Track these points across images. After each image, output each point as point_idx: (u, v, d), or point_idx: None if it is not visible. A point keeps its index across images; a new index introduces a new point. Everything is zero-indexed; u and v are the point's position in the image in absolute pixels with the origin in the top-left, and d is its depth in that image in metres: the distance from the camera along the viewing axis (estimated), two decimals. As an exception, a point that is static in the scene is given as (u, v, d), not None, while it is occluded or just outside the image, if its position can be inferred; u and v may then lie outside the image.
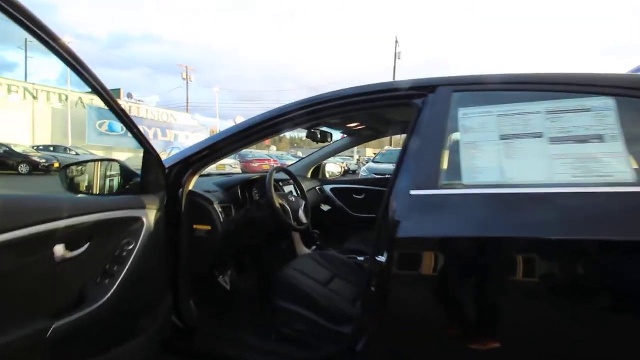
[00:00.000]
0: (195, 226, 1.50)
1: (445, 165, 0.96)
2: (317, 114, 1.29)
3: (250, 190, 1.86)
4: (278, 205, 1.62)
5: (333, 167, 3.11)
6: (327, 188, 2.85)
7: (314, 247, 2.20)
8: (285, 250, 2.08)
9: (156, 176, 1.23)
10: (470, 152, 0.95)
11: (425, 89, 1.11)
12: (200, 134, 25.56)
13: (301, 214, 1.81)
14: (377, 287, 1.02)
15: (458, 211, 0.93)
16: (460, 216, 0.92)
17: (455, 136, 1.01)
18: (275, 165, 3.05)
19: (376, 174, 7.88)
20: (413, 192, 0.96)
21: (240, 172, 10.07)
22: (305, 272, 1.57)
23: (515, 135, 0.93)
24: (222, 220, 1.51)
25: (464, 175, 0.93)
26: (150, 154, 1.20)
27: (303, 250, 2.09)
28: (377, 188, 2.76)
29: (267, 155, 15.20)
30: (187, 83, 31.96)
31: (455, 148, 0.97)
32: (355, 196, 2.82)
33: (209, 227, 1.51)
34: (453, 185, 0.94)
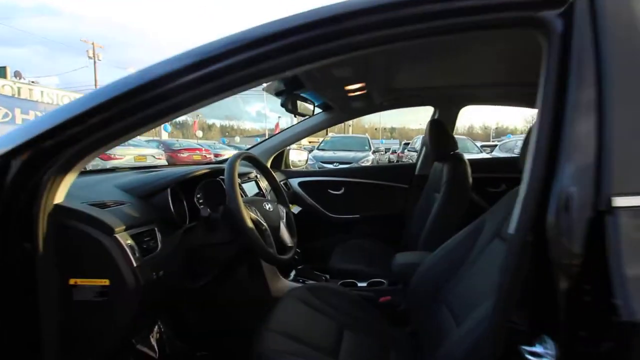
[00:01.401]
0: (73, 281, 0.74)
1: None
2: (336, 40, 0.59)
3: (189, 196, 1.06)
4: (251, 224, 0.87)
5: (298, 155, 2.38)
6: (294, 182, 2.13)
7: (293, 274, 1.48)
8: (245, 282, 1.33)
9: None
10: None
11: None
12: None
13: (283, 231, 1.08)
14: None
15: None
16: None
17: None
18: (213, 157, 2.15)
19: (323, 162, 7.31)
20: (621, 201, 0.47)
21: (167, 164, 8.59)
22: (294, 333, 0.90)
23: None
24: (135, 263, 0.73)
25: None
26: None
27: (277, 280, 1.36)
28: (361, 180, 2.12)
29: (198, 144, 13.28)
30: (95, 62, 27.42)
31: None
32: (331, 191, 2.15)
33: (105, 282, 0.75)
34: None
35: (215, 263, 1.07)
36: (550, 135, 0.52)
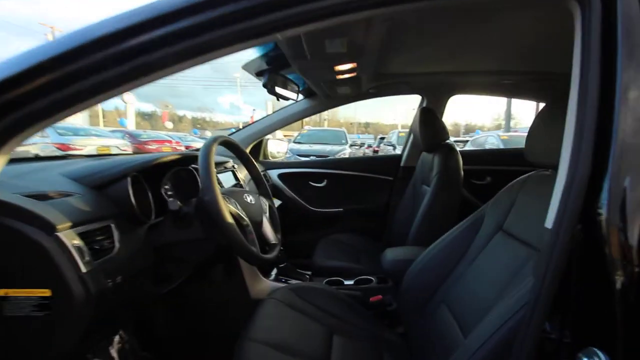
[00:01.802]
0: (3, 292, 0.61)
1: None
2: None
3: (155, 187, 0.91)
4: (230, 219, 0.74)
5: (277, 146, 2.24)
6: (273, 174, 1.99)
7: (274, 272, 1.36)
8: (221, 283, 1.20)
9: None
10: None
11: None
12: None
13: (267, 227, 0.96)
14: None
15: None
16: None
17: None
18: (184, 150, 1.98)
19: (300, 155, 7.17)
20: None
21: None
22: (278, 342, 0.81)
23: None
24: (84, 268, 0.59)
25: None
26: None
27: (257, 280, 1.23)
28: (344, 172, 2.02)
29: (167, 136, 12.53)
30: (52, 46, 25.27)
31: None
32: (313, 184, 2.04)
33: (45, 292, 0.60)
34: None
35: (186, 263, 0.93)
36: (597, 122, 0.44)
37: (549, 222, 0.48)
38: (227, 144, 0.97)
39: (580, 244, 0.44)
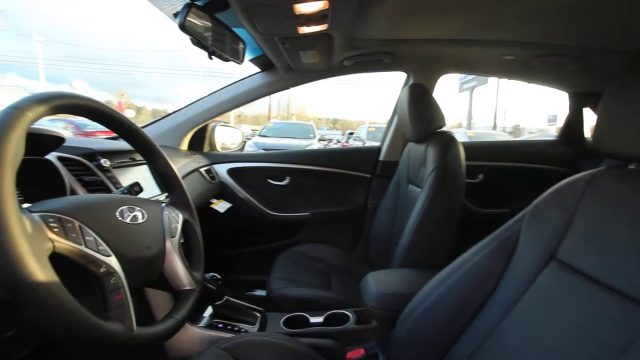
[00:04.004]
0: None
1: None
2: None
3: None
4: (32, 265, 0.32)
5: (229, 134, 1.80)
6: (221, 169, 1.57)
7: (208, 313, 0.94)
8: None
9: None
10: None
11: None
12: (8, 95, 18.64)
13: (173, 262, 0.54)
14: None
15: None
16: None
17: None
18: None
19: (265, 150, 6.70)
20: None
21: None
22: None
23: None
24: None
25: None
26: None
27: (187, 333, 0.81)
28: (311, 167, 1.63)
29: None
30: (-13, 25, 22.39)
31: None
32: (272, 182, 1.63)
33: None
34: None
35: (24, 333, 0.50)
36: None
37: None
38: (78, 107, 0.47)
39: None
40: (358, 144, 8.62)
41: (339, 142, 14.04)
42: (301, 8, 0.77)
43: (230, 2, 0.77)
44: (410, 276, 0.88)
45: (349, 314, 0.99)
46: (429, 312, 0.68)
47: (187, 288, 0.56)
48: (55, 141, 0.66)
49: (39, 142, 0.64)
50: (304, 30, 0.90)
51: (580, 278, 0.51)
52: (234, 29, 0.96)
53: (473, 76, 13.00)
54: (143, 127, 1.50)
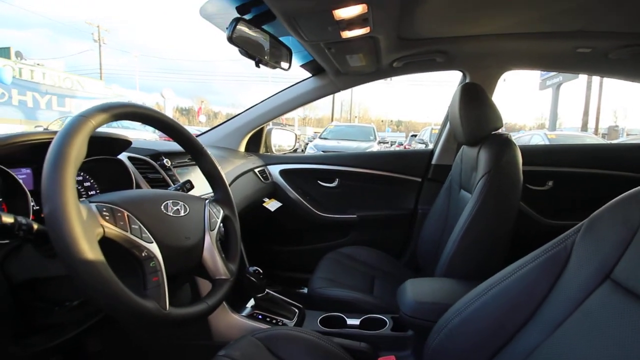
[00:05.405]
0: None
1: None
2: None
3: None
4: (85, 248, 0.39)
5: (284, 137, 1.89)
6: (274, 170, 1.65)
7: (250, 305, 1.01)
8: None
9: None
10: None
11: None
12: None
13: (210, 253, 0.60)
14: None
15: None
16: None
17: None
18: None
19: (324, 152, 6.82)
20: None
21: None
22: None
23: None
24: None
25: None
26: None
27: (224, 315, 0.89)
28: (362, 170, 1.63)
29: (197, 130, 12.41)
30: (100, 45, 26.71)
31: None
32: (322, 183, 1.67)
33: None
34: None
35: (72, 310, 0.60)
36: None
37: None
38: (135, 115, 0.55)
39: None
40: (421, 146, 8.29)
41: (402, 144, 13.65)
42: (340, 14, 0.78)
43: (275, 13, 0.82)
44: (450, 286, 0.83)
45: (387, 319, 0.97)
46: (463, 327, 0.64)
47: (222, 277, 0.62)
48: (124, 143, 0.78)
49: (112, 145, 0.76)
50: (347, 34, 0.91)
51: (637, 302, 0.44)
52: (283, 38, 1.02)
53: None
54: (207, 130, 1.66)
